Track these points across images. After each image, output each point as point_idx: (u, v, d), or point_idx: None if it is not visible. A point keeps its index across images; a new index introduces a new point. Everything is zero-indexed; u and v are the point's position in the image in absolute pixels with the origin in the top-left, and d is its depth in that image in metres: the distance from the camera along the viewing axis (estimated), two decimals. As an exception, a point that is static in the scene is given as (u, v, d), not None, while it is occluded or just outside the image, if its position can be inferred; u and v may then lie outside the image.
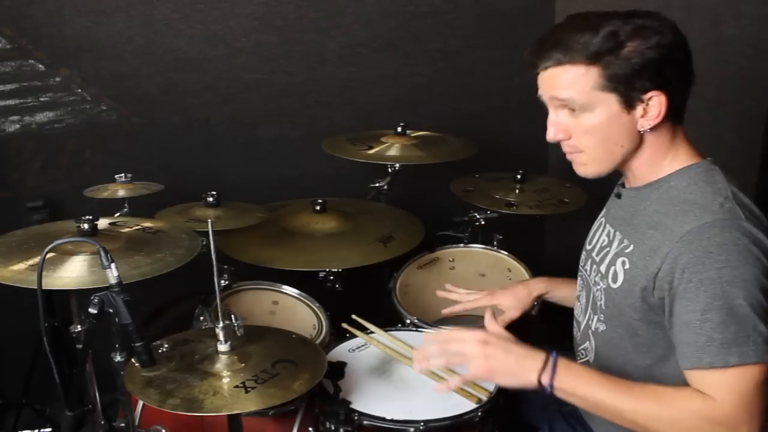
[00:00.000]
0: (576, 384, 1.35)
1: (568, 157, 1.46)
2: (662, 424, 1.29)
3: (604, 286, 1.50)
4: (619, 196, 1.54)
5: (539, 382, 1.35)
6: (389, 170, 2.47)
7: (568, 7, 2.90)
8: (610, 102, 1.35)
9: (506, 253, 2.34)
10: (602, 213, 1.64)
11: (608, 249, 1.51)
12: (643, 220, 1.42)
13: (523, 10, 2.93)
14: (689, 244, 1.29)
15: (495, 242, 2.39)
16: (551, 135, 1.43)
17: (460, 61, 2.91)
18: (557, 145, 1.46)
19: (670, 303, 1.33)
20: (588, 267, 1.59)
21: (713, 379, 1.28)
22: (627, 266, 1.43)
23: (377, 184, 2.48)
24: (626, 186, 1.51)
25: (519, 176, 2.48)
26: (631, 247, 1.43)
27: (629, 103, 1.35)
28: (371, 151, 2.43)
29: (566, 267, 1.96)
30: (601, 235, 1.58)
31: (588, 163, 1.43)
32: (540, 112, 1.47)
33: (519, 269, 2.28)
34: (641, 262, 1.38)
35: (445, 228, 2.48)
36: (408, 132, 2.53)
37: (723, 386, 1.27)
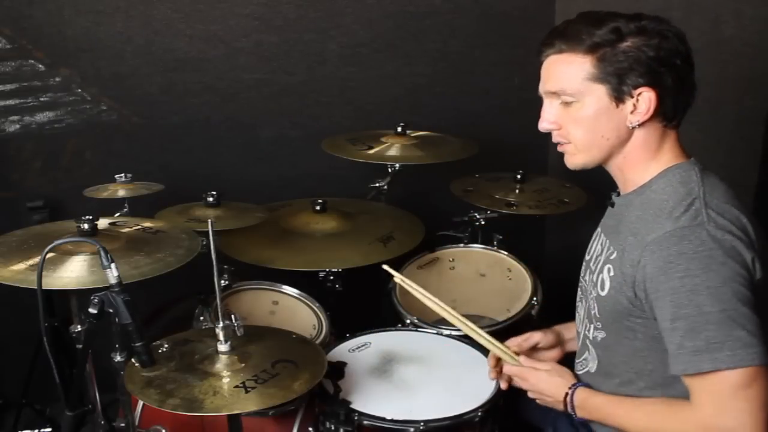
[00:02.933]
0: (594, 415, 1.50)
1: (559, 148, 1.49)
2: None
3: (595, 295, 1.51)
4: (612, 204, 1.55)
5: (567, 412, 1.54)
6: (389, 170, 2.47)
7: (568, 7, 2.93)
8: (600, 93, 1.37)
9: (506, 253, 2.34)
10: (600, 222, 1.64)
11: (600, 257, 1.52)
12: (626, 227, 1.43)
13: (523, 10, 2.93)
14: (652, 254, 1.31)
15: (495, 242, 2.39)
16: (543, 125, 1.46)
17: (460, 61, 2.91)
18: (557, 145, 1.47)
19: (650, 310, 1.35)
20: (587, 277, 1.59)
21: (694, 385, 1.30)
22: (611, 273, 1.44)
23: (377, 184, 2.48)
24: (620, 194, 1.51)
25: (519, 176, 2.48)
26: (615, 254, 1.44)
27: (619, 96, 1.36)
28: (371, 151, 2.43)
29: (566, 267, 1.96)
30: (596, 244, 1.59)
31: (575, 154, 1.46)
32: (539, 113, 1.48)
33: (519, 269, 2.28)
34: (621, 269, 1.40)
35: (445, 228, 2.48)
36: (408, 132, 2.53)
37: (703, 393, 1.28)
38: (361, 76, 2.81)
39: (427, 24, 2.83)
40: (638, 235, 1.37)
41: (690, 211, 1.31)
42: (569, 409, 1.52)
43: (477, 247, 2.39)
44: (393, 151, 2.44)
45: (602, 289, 1.47)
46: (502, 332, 1.96)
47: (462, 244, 2.41)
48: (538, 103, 1.47)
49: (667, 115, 1.38)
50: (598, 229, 1.62)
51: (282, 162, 2.80)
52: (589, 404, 1.50)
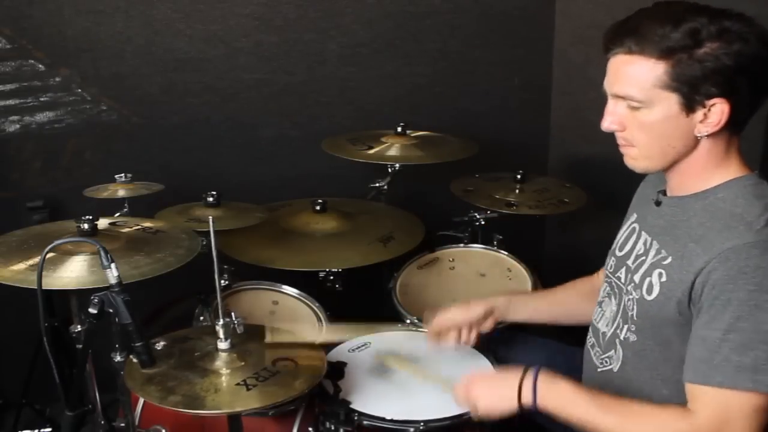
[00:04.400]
0: (559, 404, 1.39)
1: (621, 149, 1.42)
2: None
3: (637, 297, 1.44)
4: (658, 203, 1.48)
5: (523, 406, 1.41)
6: (389, 170, 2.47)
7: (568, 7, 2.93)
8: (671, 101, 1.29)
9: (506, 253, 2.34)
10: (634, 218, 1.57)
11: (644, 258, 1.45)
12: (684, 232, 1.37)
13: (523, 10, 2.93)
14: (726, 261, 1.25)
15: (495, 242, 2.39)
16: (606, 124, 1.38)
17: (460, 61, 2.91)
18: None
19: (695, 315, 1.31)
20: (622, 275, 1.52)
21: (713, 398, 1.26)
22: (663, 278, 1.38)
23: (377, 184, 2.48)
24: (668, 194, 1.46)
25: (519, 176, 2.48)
26: (670, 259, 1.38)
27: (690, 105, 1.29)
28: (371, 151, 2.43)
29: (566, 267, 1.97)
30: (636, 242, 1.51)
31: (638, 158, 1.39)
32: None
33: (519, 269, 2.28)
34: (678, 275, 1.34)
35: (445, 228, 2.48)
36: (408, 132, 2.53)
37: (718, 407, 1.26)
38: (361, 76, 2.81)
39: (427, 24, 2.83)
40: (704, 243, 1.30)
41: None
42: (528, 397, 1.40)
43: (477, 247, 2.39)
44: (393, 151, 2.44)
45: (649, 293, 1.40)
46: (502, 332, 1.96)
47: (462, 244, 2.40)
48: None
49: (737, 124, 1.32)
50: (635, 225, 1.55)
51: (282, 162, 2.80)
52: (554, 389, 1.40)
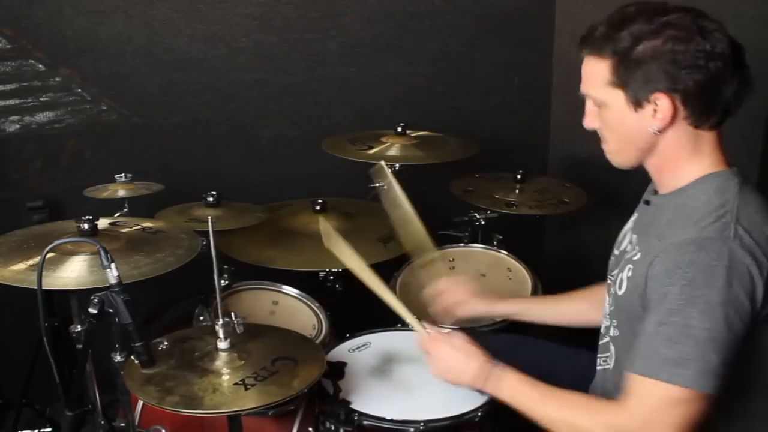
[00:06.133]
0: (507, 394, 1.49)
1: (602, 145, 1.48)
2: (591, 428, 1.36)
3: (613, 293, 1.49)
4: (647, 203, 1.51)
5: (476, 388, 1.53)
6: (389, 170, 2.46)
7: (568, 7, 2.93)
8: (620, 98, 1.35)
9: (506, 253, 2.34)
10: (633, 217, 1.60)
11: (626, 256, 1.49)
12: (654, 230, 1.40)
13: (523, 10, 2.93)
14: (666, 256, 1.29)
15: (495, 242, 2.39)
16: (585, 123, 1.45)
17: (460, 61, 2.91)
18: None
19: (646, 308, 1.35)
20: (613, 273, 1.56)
21: (641, 388, 1.29)
22: (629, 274, 1.42)
23: (377, 184, 2.48)
24: (657, 193, 1.48)
25: (519, 176, 2.48)
26: (638, 256, 1.41)
27: (636, 101, 1.34)
28: (371, 152, 2.43)
29: (566, 267, 1.97)
30: (626, 241, 1.55)
31: (611, 154, 1.45)
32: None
33: (519, 269, 2.28)
34: (639, 270, 1.38)
35: (445, 228, 2.48)
36: (408, 132, 2.52)
37: (643, 397, 1.29)
38: (361, 76, 2.81)
39: (427, 24, 2.83)
40: (663, 239, 1.33)
41: (718, 223, 1.27)
42: (481, 380, 1.50)
43: (477, 247, 2.39)
44: (393, 151, 2.44)
45: (620, 288, 1.45)
46: (502, 332, 1.96)
47: (462, 244, 2.41)
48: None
49: (696, 117, 1.33)
50: (630, 224, 1.58)
51: (282, 162, 2.80)
52: (506, 380, 1.49)
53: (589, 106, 1.44)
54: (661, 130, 1.35)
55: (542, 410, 1.43)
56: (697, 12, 1.31)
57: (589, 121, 1.45)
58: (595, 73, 1.37)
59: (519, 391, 1.47)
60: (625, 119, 1.37)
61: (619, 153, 1.44)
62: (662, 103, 1.31)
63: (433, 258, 1.99)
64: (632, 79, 1.32)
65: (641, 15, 1.32)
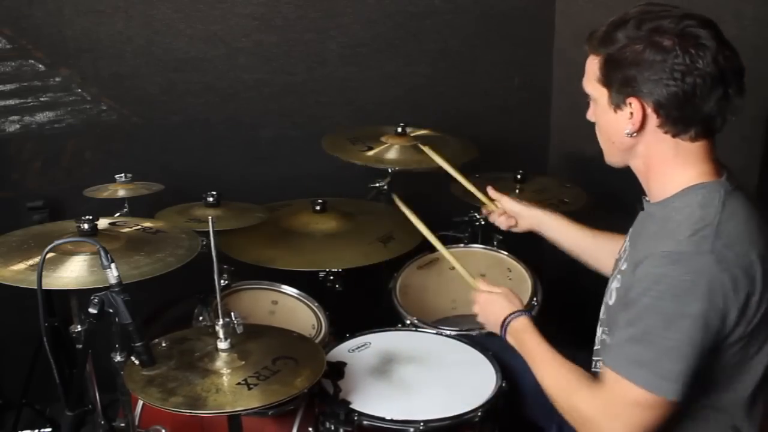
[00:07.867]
0: (519, 347, 1.59)
1: None
2: (564, 405, 1.43)
3: (606, 302, 1.51)
4: (642, 208, 1.50)
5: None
6: (389, 170, 2.46)
7: (569, 7, 2.93)
8: (604, 96, 1.38)
9: (506, 253, 2.34)
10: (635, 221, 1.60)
11: (618, 264, 1.51)
12: (642, 240, 1.42)
13: (523, 10, 2.93)
14: (643, 269, 1.31)
15: (495, 242, 2.39)
16: (588, 115, 1.48)
17: (460, 61, 2.91)
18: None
19: None
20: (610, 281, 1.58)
21: (608, 378, 1.34)
22: (618, 285, 1.44)
23: (377, 184, 2.48)
24: (648, 200, 1.47)
25: (519, 176, 2.48)
26: (625, 266, 1.44)
27: (615, 102, 1.36)
28: (371, 152, 2.43)
29: (566, 267, 1.96)
30: (622, 247, 1.56)
31: (603, 150, 1.48)
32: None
33: (519, 269, 2.28)
34: (624, 283, 1.40)
35: (445, 228, 2.48)
36: (408, 132, 2.52)
37: (608, 391, 1.33)
38: (361, 76, 2.81)
39: (427, 24, 2.83)
40: (645, 250, 1.34)
41: (696, 237, 1.27)
42: (502, 331, 1.62)
43: (477, 247, 2.39)
44: (393, 152, 2.44)
45: (610, 298, 1.47)
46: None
47: (462, 244, 2.40)
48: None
49: (670, 127, 1.32)
50: (630, 229, 1.58)
51: (282, 162, 2.80)
52: (521, 336, 1.59)
53: (589, 101, 1.47)
54: (633, 134, 1.36)
55: (535, 368, 1.52)
56: (696, 23, 1.28)
57: (588, 114, 1.48)
58: (590, 69, 1.40)
59: (529, 347, 1.55)
60: (607, 118, 1.39)
61: (604, 150, 1.47)
62: (635, 108, 1.33)
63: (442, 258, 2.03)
64: (614, 80, 1.34)
65: (639, 18, 1.32)
